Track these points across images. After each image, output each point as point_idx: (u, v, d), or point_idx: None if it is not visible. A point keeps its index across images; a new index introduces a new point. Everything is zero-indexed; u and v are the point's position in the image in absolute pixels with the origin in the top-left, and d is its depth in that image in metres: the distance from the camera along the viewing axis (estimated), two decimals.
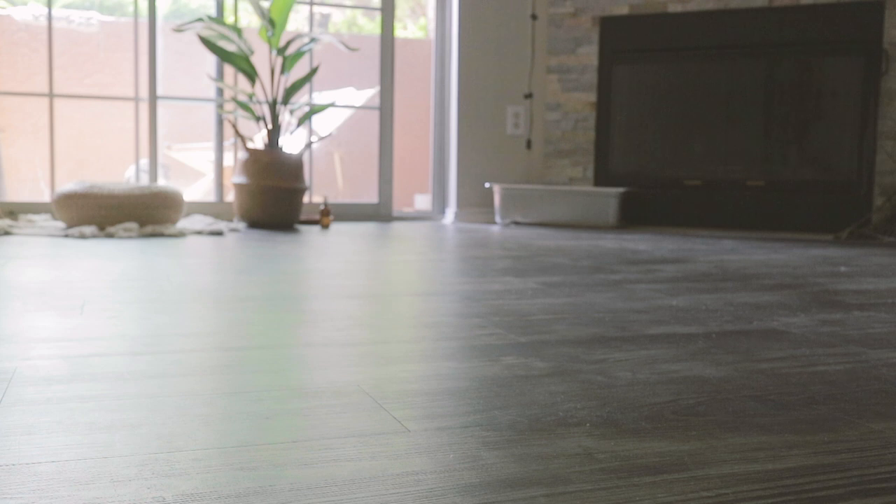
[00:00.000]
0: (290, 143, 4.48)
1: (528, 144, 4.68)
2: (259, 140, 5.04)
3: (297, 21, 5.55)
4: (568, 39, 4.55)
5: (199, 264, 2.32)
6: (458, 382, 1.06)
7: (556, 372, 1.12)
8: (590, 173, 4.56)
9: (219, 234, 3.44)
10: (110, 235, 3.17)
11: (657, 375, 1.12)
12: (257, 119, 3.97)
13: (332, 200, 4.70)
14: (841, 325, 1.53)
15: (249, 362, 1.15)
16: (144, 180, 4.38)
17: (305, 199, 4.42)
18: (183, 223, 3.65)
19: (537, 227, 4.20)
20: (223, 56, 3.83)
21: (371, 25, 6.83)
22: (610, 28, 4.47)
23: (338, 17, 6.84)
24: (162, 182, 4.33)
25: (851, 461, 0.79)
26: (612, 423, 0.89)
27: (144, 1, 4.25)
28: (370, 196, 4.93)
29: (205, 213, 4.26)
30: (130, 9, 4.63)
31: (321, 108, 4.08)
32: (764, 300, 1.84)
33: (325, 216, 3.96)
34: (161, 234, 3.28)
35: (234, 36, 3.87)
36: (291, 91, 3.99)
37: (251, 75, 3.91)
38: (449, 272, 2.25)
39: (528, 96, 4.65)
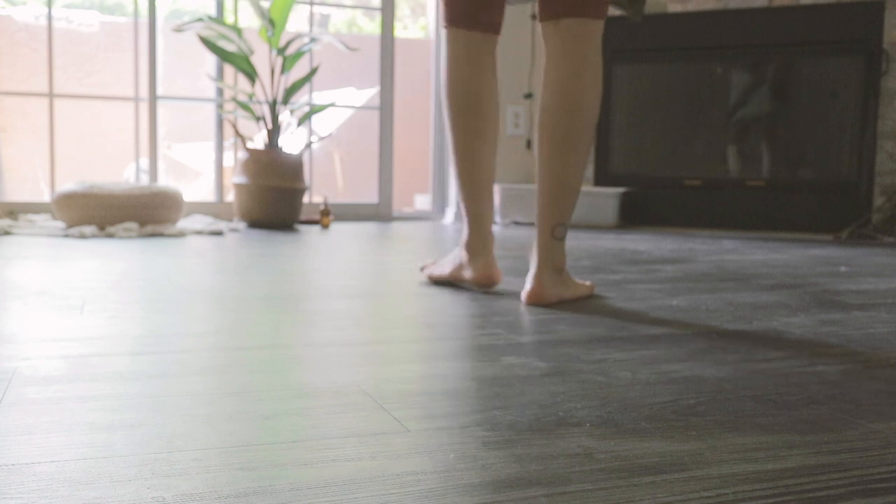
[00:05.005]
0: (290, 143, 4.48)
1: (528, 144, 4.68)
2: (259, 140, 5.04)
3: (297, 21, 5.55)
4: None
5: (199, 264, 2.32)
6: (458, 382, 1.06)
7: (556, 372, 1.12)
8: (590, 173, 4.56)
9: (219, 234, 3.44)
10: (110, 235, 3.17)
11: (657, 375, 1.12)
12: (257, 119, 3.97)
13: (332, 200, 4.70)
14: (841, 325, 1.53)
15: (249, 362, 1.15)
16: (144, 180, 4.38)
17: (305, 199, 4.42)
18: (183, 223, 3.65)
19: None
20: (223, 56, 3.83)
21: (371, 25, 6.83)
22: (610, 28, 4.47)
23: (338, 17, 6.83)
24: (162, 182, 4.33)
25: (851, 461, 0.79)
26: (612, 423, 0.89)
27: (144, 1, 4.25)
28: (370, 196, 4.92)
29: (205, 213, 4.26)
30: (130, 9, 4.63)
31: (321, 108, 4.08)
32: (764, 300, 1.84)
33: (325, 216, 3.96)
34: (161, 234, 3.28)
35: (234, 36, 3.87)
36: (291, 91, 3.99)
37: (251, 75, 3.91)
38: None
39: (528, 96, 4.65)
